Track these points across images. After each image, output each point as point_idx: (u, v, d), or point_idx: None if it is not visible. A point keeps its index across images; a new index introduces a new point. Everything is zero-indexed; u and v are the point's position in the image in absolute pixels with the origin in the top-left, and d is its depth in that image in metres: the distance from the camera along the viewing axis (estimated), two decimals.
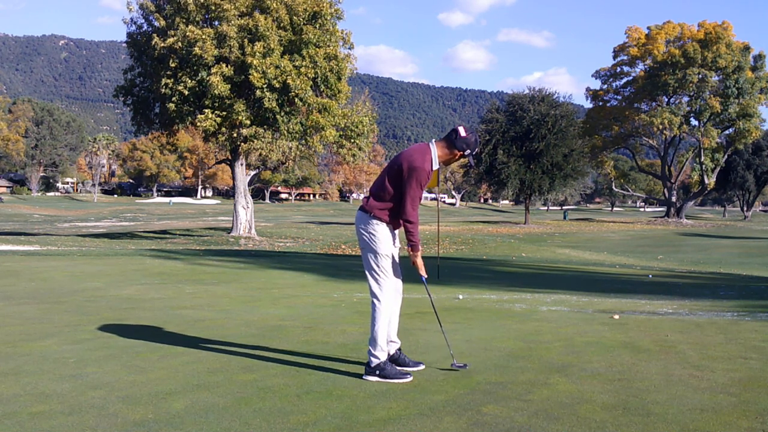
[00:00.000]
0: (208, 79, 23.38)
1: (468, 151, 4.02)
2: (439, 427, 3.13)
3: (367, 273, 4.18)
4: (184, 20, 24.15)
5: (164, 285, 9.37)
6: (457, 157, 4.07)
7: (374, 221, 4.09)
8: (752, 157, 75.04)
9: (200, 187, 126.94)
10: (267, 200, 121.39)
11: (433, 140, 4.09)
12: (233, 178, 28.07)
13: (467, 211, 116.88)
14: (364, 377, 4.00)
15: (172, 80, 24.16)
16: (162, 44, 23.85)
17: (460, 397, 3.62)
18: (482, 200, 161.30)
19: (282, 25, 24.25)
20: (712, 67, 53.97)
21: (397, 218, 4.10)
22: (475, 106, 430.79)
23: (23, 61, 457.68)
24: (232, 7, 23.85)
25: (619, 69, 60.35)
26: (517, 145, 47.19)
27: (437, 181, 11.85)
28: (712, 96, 54.49)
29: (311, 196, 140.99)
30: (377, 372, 3.97)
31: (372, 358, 4.00)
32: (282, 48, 24.24)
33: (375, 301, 4.13)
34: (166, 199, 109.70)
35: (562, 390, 3.74)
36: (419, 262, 4.28)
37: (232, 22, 23.76)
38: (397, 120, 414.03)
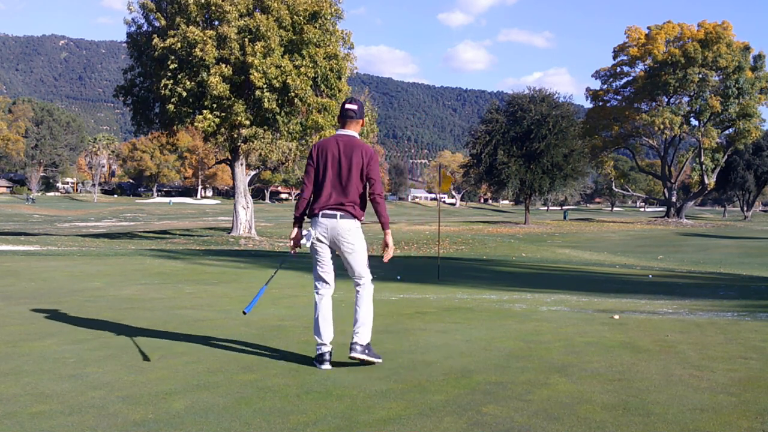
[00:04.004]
0: (207, 79, 23.37)
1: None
2: (439, 427, 3.13)
3: (363, 267, 4.38)
4: (184, 21, 24.14)
5: (164, 285, 9.37)
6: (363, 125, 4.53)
7: (359, 224, 4.38)
8: (752, 157, 75.05)
9: (200, 187, 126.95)
10: (267, 200, 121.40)
11: (343, 130, 4.39)
12: (233, 178, 28.06)
13: (467, 211, 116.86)
14: (355, 355, 4.22)
15: (171, 81, 24.14)
16: (162, 44, 23.84)
17: (460, 397, 3.62)
18: (482, 200, 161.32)
19: (282, 24, 24.24)
20: (713, 67, 53.96)
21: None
22: (475, 106, 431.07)
23: (23, 61, 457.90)
24: (234, 9, 23.83)
25: (619, 69, 60.32)
26: (518, 145, 47.20)
27: (439, 181, 11.87)
28: (712, 96, 54.48)
29: None
30: (367, 351, 4.27)
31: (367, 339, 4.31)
32: (282, 48, 24.24)
33: (371, 286, 4.41)
34: (166, 199, 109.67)
35: (562, 390, 3.74)
36: (392, 242, 4.42)
37: (233, 23, 23.75)
38: (397, 120, 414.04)
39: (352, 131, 4.39)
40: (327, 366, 4.25)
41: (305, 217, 4.43)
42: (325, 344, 4.29)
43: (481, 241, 27.41)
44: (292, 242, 4.49)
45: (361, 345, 4.23)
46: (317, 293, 4.38)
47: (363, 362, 4.27)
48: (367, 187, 4.30)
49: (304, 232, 4.39)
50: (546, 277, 13.08)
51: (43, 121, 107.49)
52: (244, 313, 4.44)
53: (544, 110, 46.95)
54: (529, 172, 46.86)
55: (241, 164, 27.57)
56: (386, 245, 4.36)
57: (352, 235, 4.28)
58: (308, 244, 4.34)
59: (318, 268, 4.37)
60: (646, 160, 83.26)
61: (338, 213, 4.26)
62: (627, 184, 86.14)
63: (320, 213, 4.27)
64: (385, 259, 4.42)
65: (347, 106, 4.38)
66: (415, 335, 5.46)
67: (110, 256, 14.85)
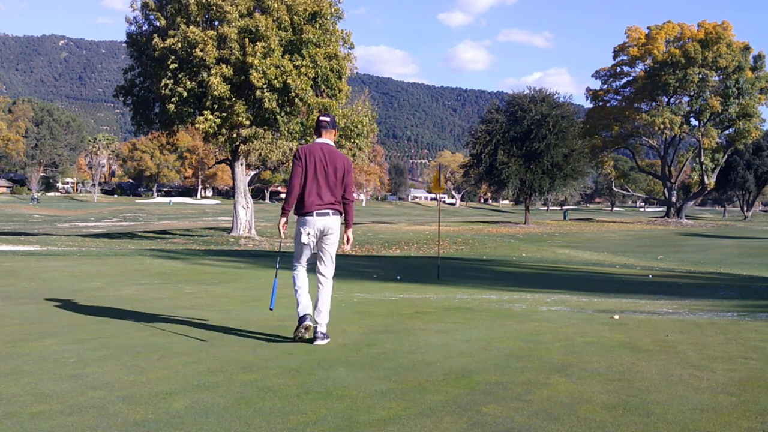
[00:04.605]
0: (208, 80, 23.36)
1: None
2: (439, 427, 3.13)
3: (333, 260, 5.17)
4: (185, 21, 24.14)
5: (164, 285, 9.36)
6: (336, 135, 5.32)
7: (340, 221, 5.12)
8: (752, 157, 75.03)
9: (200, 187, 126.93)
10: (267, 200, 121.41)
11: (321, 139, 5.09)
12: (233, 178, 28.06)
13: (467, 211, 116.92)
14: (319, 342, 4.93)
15: (171, 81, 24.13)
16: (162, 44, 23.83)
17: (460, 397, 3.62)
18: (482, 200, 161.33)
19: (282, 25, 24.24)
20: (713, 67, 53.94)
21: None
22: (475, 106, 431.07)
23: (23, 61, 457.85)
24: (234, 9, 23.82)
25: (619, 69, 60.29)
26: (518, 145, 47.18)
27: (438, 182, 11.88)
28: (712, 96, 54.46)
29: None
30: (328, 336, 5.03)
31: (325, 326, 5.02)
32: (282, 48, 24.23)
33: (331, 280, 5.15)
34: (166, 199, 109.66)
35: (562, 390, 3.74)
36: (352, 237, 5.25)
37: (233, 23, 23.74)
38: (397, 120, 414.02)
39: (329, 140, 5.14)
40: (308, 322, 4.98)
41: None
42: (307, 309, 5.02)
43: (481, 241, 27.41)
44: (282, 228, 5.19)
45: (324, 335, 4.99)
46: (296, 272, 5.16)
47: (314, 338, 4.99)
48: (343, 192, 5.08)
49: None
50: (546, 277, 13.08)
51: (43, 121, 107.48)
52: (271, 309, 5.30)
53: (544, 110, 46.92)
54: (529, 172, 46.84)
55: (241, 164, 27.56)
56: (348, 239, 5.17)
57: (337, 229, 5.05)
58: (302, 238, 5.03)
59: (301, 256, 5.15)
60: (646, 160, 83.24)
61: (330, 211, 4.99)
62: (627, 184, 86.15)
63: (314, 212, 4.94)
64: (347, 248, 5.24)
65: (321, 118, 5.15)
66: (415, 335, 5.46)
67: (110, 256, 14.85)
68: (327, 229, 4.99)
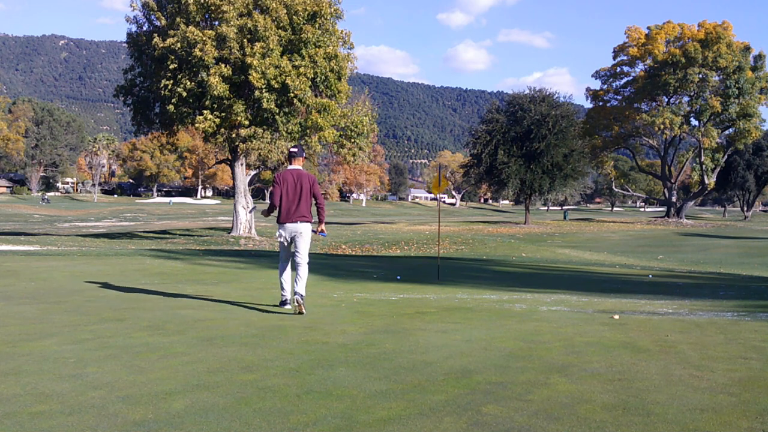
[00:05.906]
0: (207, 80, 23.35)
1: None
2: (439, 427, 3.13)
3: (306, 252, 6.78)
4: (184, 20, 24.13)
5: (164, 285, 9.36)
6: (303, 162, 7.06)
7: (310, 225, 6.82)
8: (752, 157, 75.01)
9: (200, 187, 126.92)
10: (267, 200, 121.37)
11: (291, 166, 6.83)
12: (233, 178, 28.04)
13: (467, 211, 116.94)
14: (299, 298, 6.55)
15: (171, 81, 24.12)
16: (162, 44, 23.82)
17: (460, 397, 3.62)
18: (482, 200, 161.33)
19: (281, 25, 24.22)
20: (713, 67, 53.92)
21: None
22: (475, 106, 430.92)
23: (23, 61, 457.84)
24: (232, 8, 23.81)
25: (619, 69, 60.27)
26: (518, 145, 47.18)
27: (438, 182, 11.87)
28: (712, 96, 54.44)
29: None
30: (302, 300, 6.61)
31: (304, 290, 6.69)
32: (281, 48, 24.21)
33: (307, 265, 6.78)
34: (166, 199, 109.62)
35: (562, 390, 3.74)
36: (324, 228, 7.05)
37: (232, 23, 23.73)
38: (397, 120, 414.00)
39: (298, 165, 6.86)
40: (288, 307, 6.84)
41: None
42: (286, 295, 6.90)
43: (481, 241, 27.41)
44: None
45: (302, 295, 6.57)
46: (281, 265, 6.86)
47: (300, 312, 6.49)
48: (314, 200, 6.79)
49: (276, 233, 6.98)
50: (546, 277, 13.07)
51: (43, 121, 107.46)
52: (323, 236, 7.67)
53: (544, 110, 46.91)
54: (529, 172, 46.83)
55: (241, 164, 27.55)
56: (322, 229, 6.95)
57: (306, 231, 6.75)
58: (280, 240, 6.79)
59: (283, 254, 6.87)
60: (646, 160, 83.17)
61: (299, 221, 6.69)
62: (627, 184, 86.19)
63: (287, 222, 6.64)
64: (320, 228, 6.93)
65: (291, 149, 6.88)
66: (415, 335, 5.46)
67: (110, 256, 14.85)
68: (297, 233, 6.70)
